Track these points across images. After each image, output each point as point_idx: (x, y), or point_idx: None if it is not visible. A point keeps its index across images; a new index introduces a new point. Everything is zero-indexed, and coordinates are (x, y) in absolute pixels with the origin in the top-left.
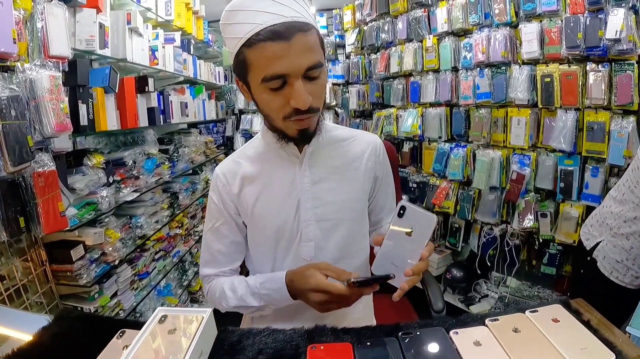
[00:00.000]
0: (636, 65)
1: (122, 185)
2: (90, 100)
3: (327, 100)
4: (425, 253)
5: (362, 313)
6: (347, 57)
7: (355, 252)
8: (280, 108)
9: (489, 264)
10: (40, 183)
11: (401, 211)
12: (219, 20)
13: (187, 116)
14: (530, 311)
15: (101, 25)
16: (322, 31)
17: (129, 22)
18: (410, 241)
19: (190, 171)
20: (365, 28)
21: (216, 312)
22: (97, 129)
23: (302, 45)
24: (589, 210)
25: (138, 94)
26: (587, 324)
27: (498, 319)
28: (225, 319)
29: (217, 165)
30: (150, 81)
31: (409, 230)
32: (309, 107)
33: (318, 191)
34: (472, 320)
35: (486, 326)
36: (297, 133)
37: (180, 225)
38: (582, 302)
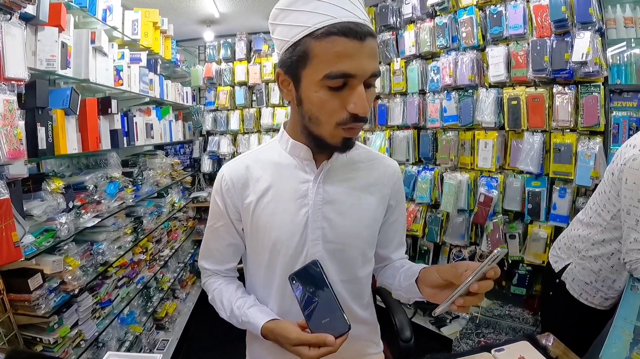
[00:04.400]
0: (602, 87)
1: (83, 211)
2: (50, 122)
3: None
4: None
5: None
6: None
7: (359, 278)
8: (335, 112)
9: None
10: None
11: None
12: (188, 39)
13: (153, 138)
14: (496, 350)
15: (63, 45)
16: None
17: (93, 41)
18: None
19: (156, 194)
20: None
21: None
22: (57, 153)
23: (372, 49)
24: (557, 230)
25: (101, 116)
26: None
27: None
28: None
29: (198, 182)
30: (114, 102)
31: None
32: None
33: (328, 212)
34: None
35: None
36: (342, 142)
37: (144, 250)
38: (549, 336)
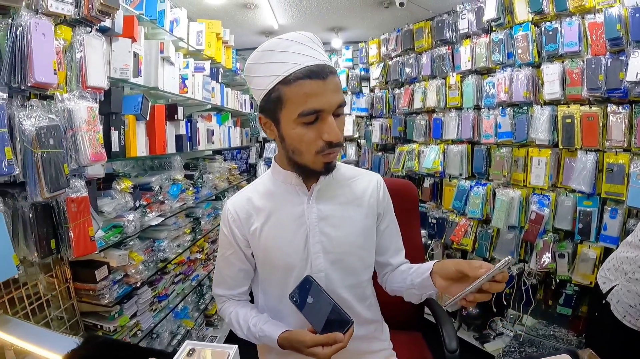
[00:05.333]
0: None
1: (148, 210)
2: (123, 127)
3: (350, 133)
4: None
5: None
6: (372, 90)
7: (361, 282)
8: (313, 142)
9: (505, 302)
10: (73, 208)
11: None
12: (247, 49)
13: (213, 143)
14: None
15: (135, 54)
16: (348, 64)
17: (161, 52)
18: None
19: (214, 197)
20: (390, 63)
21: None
22: (127, 155)
23: (334, 85)
24: (607, 251)
25: (167, 121)
26: None
27: None
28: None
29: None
30: (180, 109)
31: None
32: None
33: (324, 227)
34: None
35: None
36: (323, 166)
37: (200, 250)
38: (590, 353)
